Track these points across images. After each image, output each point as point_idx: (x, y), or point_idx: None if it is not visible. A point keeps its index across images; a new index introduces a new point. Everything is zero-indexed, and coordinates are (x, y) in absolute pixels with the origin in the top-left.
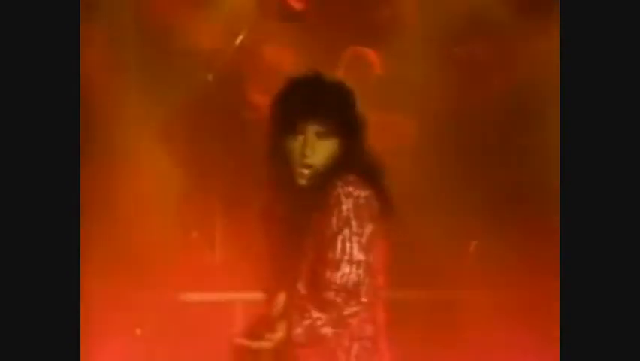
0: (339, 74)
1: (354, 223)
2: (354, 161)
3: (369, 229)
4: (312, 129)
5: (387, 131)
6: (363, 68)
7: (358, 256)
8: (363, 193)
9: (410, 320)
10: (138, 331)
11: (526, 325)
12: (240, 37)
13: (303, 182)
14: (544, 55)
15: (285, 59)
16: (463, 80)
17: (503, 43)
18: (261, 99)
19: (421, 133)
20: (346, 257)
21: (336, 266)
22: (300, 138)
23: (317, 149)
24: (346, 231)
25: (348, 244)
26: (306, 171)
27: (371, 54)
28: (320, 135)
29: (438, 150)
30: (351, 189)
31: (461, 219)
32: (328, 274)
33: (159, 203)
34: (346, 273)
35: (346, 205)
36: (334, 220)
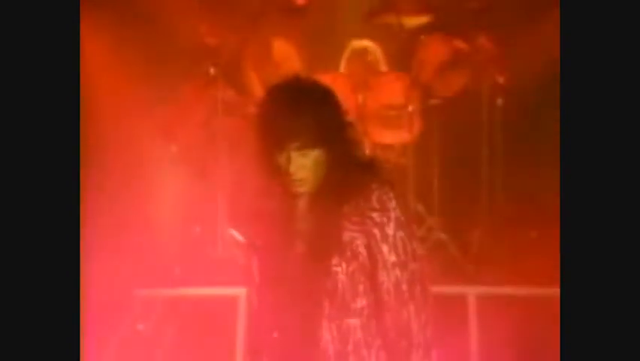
0: (342, 68)
1: (404, 222)
2: (350, 159)
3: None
4: (293, 147)
5: (389, 126)
6: (365, 63)
7: (419, 250)
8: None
9: None
10: (140, 326)
11: (525, 324)
12: None
13: (299, 191)
14: (545, 50)
15: (288, 53)
16: (466, 74)
17: (505, 39)
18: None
19: (423, 129)
20: (410, 256)
21: (404, 265)
22: (285, 154)
23: (302, 164)
24: (401, 232)
25: (408, 244)
26: (298, 184)
27: (374, 49)
28: (302, 150)
29: (440, 147)
30: (387, 189)
31: (462, 215)
32: (397, 272)
33: (161, 198)
34: (414, 270)
35: (392, 205)
36: (388, 224)
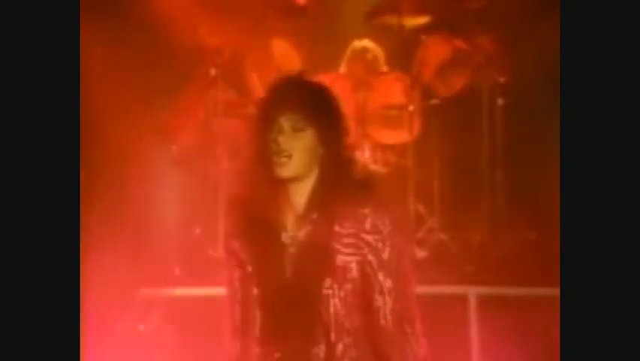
0: (342, 69)
1: (401, 247)
2: (338, 159)
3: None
4: (287, 119)
5: (389, 126)
6: (366, 63)
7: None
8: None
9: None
10: (141, 327)
11: (525, 324)
12: None
13: (281, 173)
14: (545, 50)
15: (289, 54)
16: (467, 74)
17: (505, 39)
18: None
19: (423, 129)
20: (405, 282)
21: (401, 292)
22: (277, 129)
23: (292, 138)
24: (395, 257)
25: (402, 271)
26: (283, 160)
27: (375, 49)
28: (295, 126)
29: (440, 147)
30: (381, 214)
31: (462, 215)
32: (393, 297)
33: (161, 199)
34: (409, 294)
35: (387, 231)
36: (384, 249)
